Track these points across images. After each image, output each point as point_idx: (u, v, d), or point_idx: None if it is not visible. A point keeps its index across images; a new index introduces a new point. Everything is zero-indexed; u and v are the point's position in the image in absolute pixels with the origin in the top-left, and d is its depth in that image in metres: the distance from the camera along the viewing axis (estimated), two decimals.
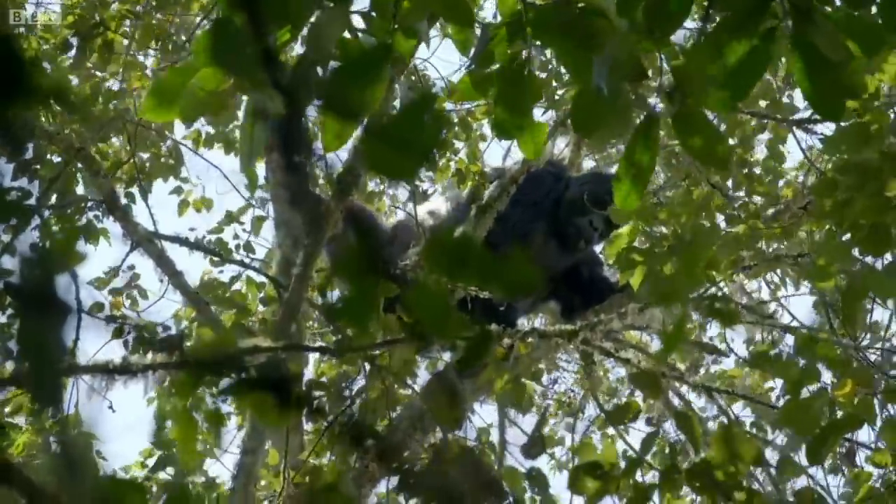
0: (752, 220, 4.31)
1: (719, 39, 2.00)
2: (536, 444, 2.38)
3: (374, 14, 2.01)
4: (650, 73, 2.07)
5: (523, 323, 5.42)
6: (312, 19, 1.81)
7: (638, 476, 2.51)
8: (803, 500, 2.47)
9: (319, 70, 1.76)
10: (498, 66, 2.10)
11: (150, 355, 1.87)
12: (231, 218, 5.83)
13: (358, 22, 2.02)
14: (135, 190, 4.79)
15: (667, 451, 2.67)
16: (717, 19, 2.07)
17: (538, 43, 2.10)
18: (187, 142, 5.74)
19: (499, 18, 2.15)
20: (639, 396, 5.59)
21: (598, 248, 5.59)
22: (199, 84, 1.85)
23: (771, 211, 4.46)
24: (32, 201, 3.94)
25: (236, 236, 5.99)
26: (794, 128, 4.57)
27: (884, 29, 2.05)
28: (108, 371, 1.81)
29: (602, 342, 4.53)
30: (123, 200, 4.30)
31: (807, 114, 4.75)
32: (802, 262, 4.50)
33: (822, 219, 3.45)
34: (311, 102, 1.55)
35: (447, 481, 1.95)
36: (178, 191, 5.95)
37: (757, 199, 4.61)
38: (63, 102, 1.36)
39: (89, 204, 4.34)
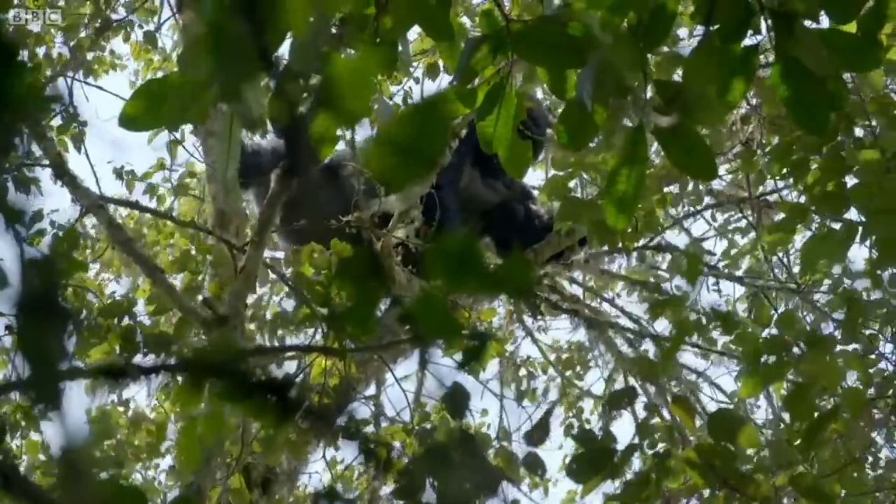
0: None
1: (711, 53, 1.99)
2: (539, 432, 2.36)
3: (352, 28, 1.95)
4: (636, 86, 2.04)
5: None
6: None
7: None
8: (798, 484, 2.50)
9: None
10: (479, 82, 2.06)
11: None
12: (161, 165, 5.76)
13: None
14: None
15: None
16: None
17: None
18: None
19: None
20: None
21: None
22: (181, 92, 1.78)
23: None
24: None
25: (166, 179, 5.95)
26: None
27: (864, 43, 2.06)
28: (110, 374, 1.75)
29: (549, 295, 4.52)
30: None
31: None
32: (750, 204, 4.53)
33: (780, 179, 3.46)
34: (310, 107, 1.50)
35: (445, 469, 1.91)
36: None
37: None
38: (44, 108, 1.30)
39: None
